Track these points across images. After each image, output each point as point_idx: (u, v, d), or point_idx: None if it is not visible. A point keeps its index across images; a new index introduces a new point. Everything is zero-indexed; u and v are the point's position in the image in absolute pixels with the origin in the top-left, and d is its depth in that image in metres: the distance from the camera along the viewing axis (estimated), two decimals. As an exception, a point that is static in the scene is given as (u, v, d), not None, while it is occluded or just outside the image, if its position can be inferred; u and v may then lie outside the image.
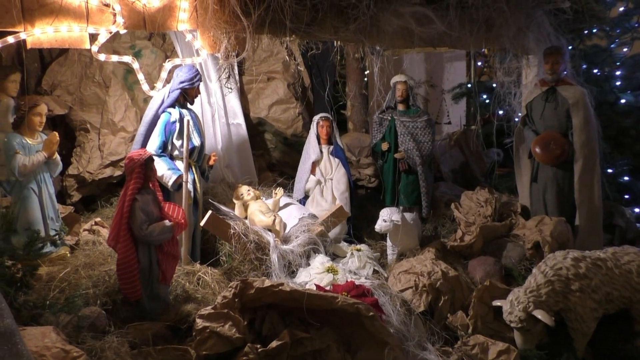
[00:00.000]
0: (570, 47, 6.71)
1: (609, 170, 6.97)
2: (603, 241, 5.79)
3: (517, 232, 5.65)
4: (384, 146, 6.54)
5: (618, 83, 7.33)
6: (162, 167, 5.04)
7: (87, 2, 4.17)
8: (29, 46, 4.06)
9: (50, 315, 3.85)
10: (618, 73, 7.38)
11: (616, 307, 4.37)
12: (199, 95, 5.53)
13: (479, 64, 9.41)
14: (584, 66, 7.25)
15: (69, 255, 5.25)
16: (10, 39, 3.95)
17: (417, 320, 4.39)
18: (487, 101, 8.32)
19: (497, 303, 4.35)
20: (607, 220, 6.13)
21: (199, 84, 5.42)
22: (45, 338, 3.31)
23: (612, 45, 7.54)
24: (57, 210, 5.41)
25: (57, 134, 5.27)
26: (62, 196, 6.66)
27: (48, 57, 6.92)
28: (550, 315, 4.08)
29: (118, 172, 6.79)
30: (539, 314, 4.05)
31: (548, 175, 5.86)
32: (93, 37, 4.34)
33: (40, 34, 4.02)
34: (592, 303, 4.20)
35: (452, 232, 6.05)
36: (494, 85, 7.47)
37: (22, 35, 3.95)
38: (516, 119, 6.58)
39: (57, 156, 5.30)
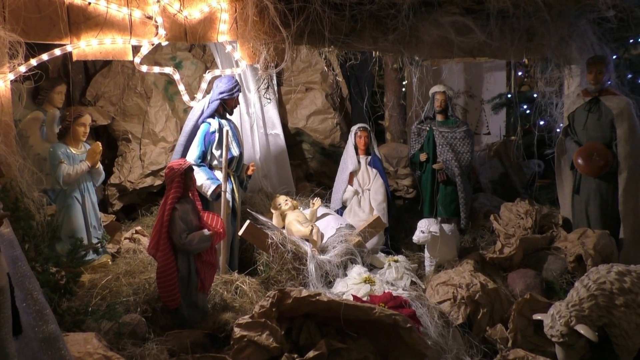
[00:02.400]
0: (614, 57, 6.57)
1: (656, 182, 6.78)
2: (649, 255, 5.64)
3: (558, 244, 5.54)
4: (422, 157, 6.49)
5: (665, 93, 7.15)
6: (201, 177, 5.09)
7: (130, 15, 4.27)
8: (74, 58, 4.18)
9: (92, 322, 3.93)
10: (665, 83, 7.20)
11: (663, 323, 4.23)
12: (238, 106, 5.58)
13: (520, 73, 9.30)
14: (629, 76, 7.09)
15: (110, 263, 5.34)
16: (57, 52, 4.07)
17: (455, 332, 4.34)
18: (528, 111, 8.18)
19: (537, 317, 4.25)
20: (654, 234, 5.96)
21: (238, 95, 5.46)
22: (88, 344, 3.38)
23: (659, 54, 7.37)
24: (100, 219, 5.52)
25: (100, 144, 5.39)
26: (104, 205, 6.78)
27: (92, 68, 7.08)
28: (593, 330, 3.97)
29: (158, 182, 6.89)
30: (581, 329, 3.94)
31: (591, 187, 5.74)
32: (135, 49, 4.44)
33: (86, 46, 4.13)
34: (638, 319, 4.07)
35: (491, 244, 5.96)
36: (535, 95, 7.36)
37: (68, 48, 4.06)
38: (557, 130, 6.46)
39: (99, 166, 5.40)
